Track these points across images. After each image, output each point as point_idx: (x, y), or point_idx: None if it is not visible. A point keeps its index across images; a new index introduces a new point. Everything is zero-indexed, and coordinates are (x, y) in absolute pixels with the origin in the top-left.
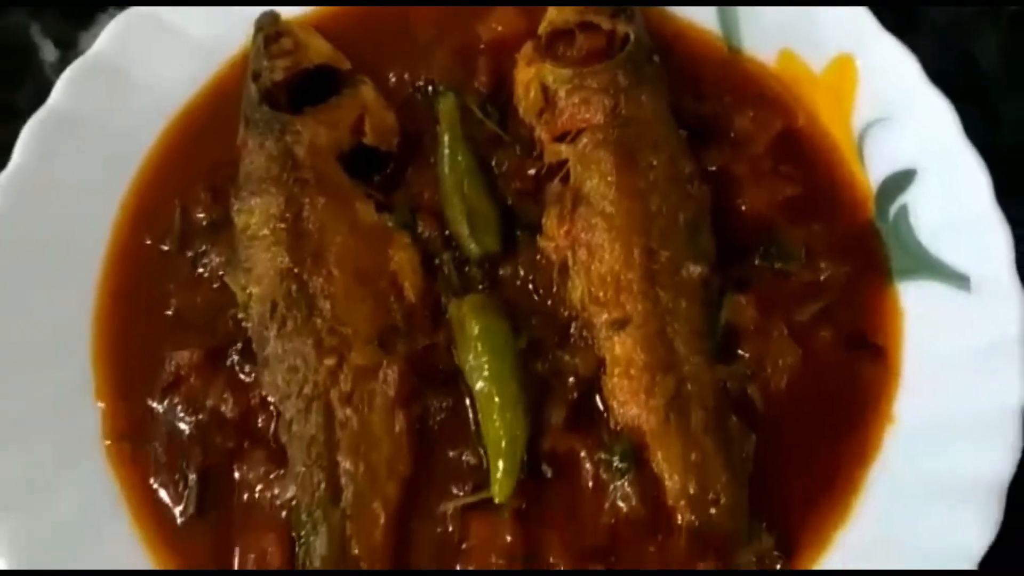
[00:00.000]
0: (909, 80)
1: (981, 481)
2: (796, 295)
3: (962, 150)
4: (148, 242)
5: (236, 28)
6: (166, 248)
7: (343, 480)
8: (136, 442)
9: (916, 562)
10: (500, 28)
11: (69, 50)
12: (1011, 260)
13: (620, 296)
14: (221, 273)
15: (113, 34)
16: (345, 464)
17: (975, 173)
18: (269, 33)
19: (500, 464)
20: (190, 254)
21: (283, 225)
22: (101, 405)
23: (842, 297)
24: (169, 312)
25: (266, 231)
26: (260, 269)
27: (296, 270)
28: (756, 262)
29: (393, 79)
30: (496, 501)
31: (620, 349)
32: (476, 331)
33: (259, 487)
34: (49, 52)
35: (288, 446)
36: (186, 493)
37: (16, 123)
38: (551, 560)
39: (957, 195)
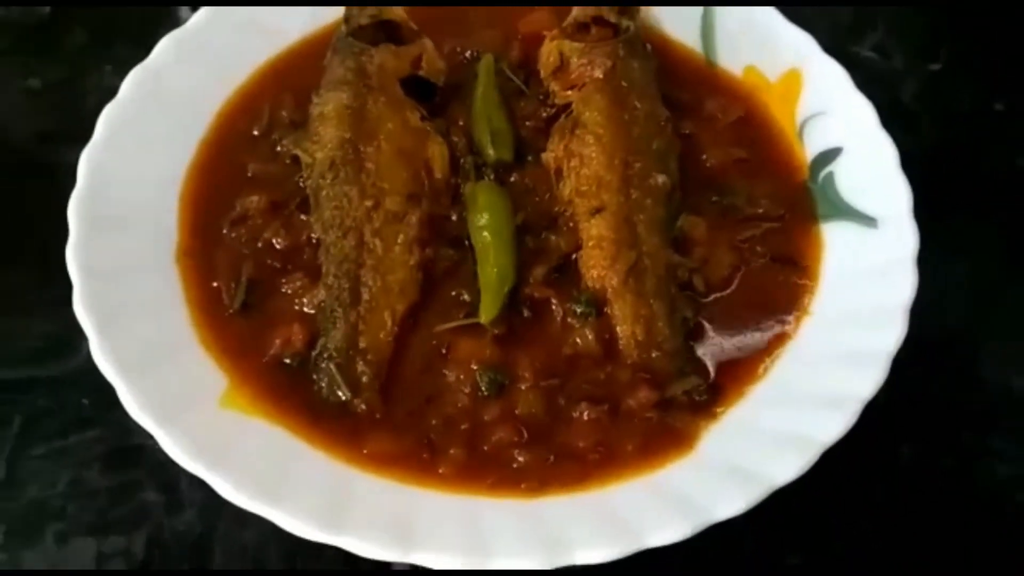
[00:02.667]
0: (842, 86)
1: (873, 352)
2: (740, 222)
3: (878, 132)
4: (241, 127)
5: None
6: (255, 133)
7: (363, 290)
8: (201, 258)
9: (813, 407)
10: (535, 25)
11: None
12: (910, 206)
13: (600, 191)
14: (294, 151)
15: None
16: (366, 279)
17: (886, 147)
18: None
19: (488, 298)
20: (273, 138)
21: (348, 110)
22: (179, 230)
23: (776, 230)
24: (248, 175)
25: (334, 113)
26: (325, 139)
27: (353, 139)
28: (712, 199)
29: (447, 49)
30: (481, 321)
31: (595, 229)
32: (483, 200)
33: (295, 295)
34: (186, 13)
35: (324, 263)
36: (235, 293)
37: None
38: (519, 372)
39: (872, 162)
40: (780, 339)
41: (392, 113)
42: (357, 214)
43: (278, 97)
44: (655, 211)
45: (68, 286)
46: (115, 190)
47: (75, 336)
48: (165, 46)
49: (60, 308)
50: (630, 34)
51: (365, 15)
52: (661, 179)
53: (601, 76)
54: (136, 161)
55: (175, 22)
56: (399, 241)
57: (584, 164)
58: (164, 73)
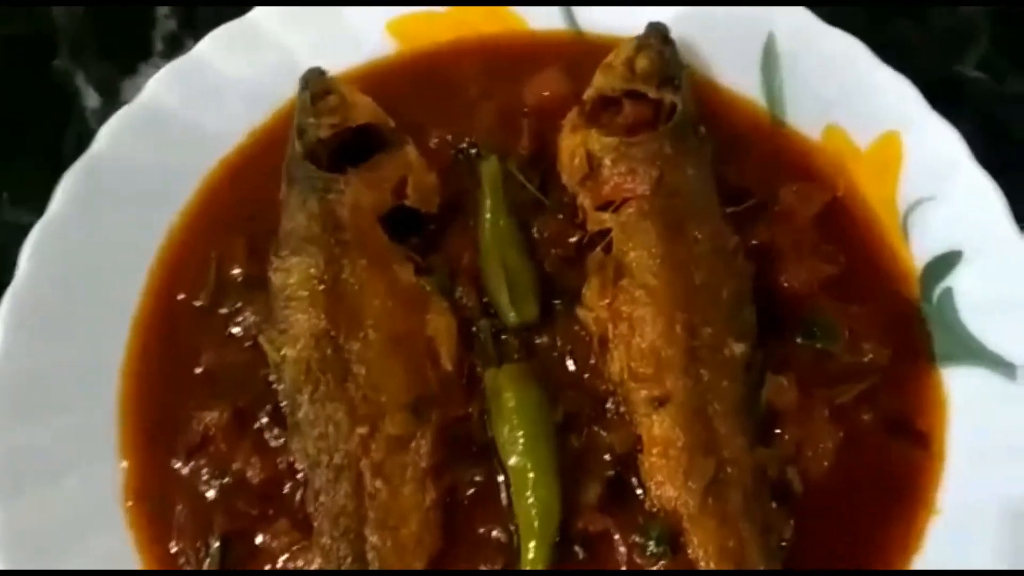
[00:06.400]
0: (956, 161)
1: None
2: (838, 376)
3: (1010, 235)
4: (181, 296)
5: (282, 78)
6: (199, 303)
7: (370, 555)
8: (157, 504)
9: None
10: (545, 92)
11: (111, 97)
12: None
13: (661, 372)
14: (255, 333)
15: (158, 84)
16: (373, 539)
17: (1023, 259)
18: (316, 91)
19: (532, 545)
20: (224, 311)
21: (321, 287)
22: (124, 463)
23: (884, 380)
24: (199, 370)
25: (304, 292)
26: (296, 330)
27: (332, 333)
28: (798, 340)
29: (436, 140)
30: None
31: (659, 428)
32: (512, 403)
33: (282, 557)
34: (92, 99)
35: (314, 517)
36: (206, 560)
37: (60, 168)
38: None
39: (1005, 281)
40: (903, 552)
41: (377, 278)
42: (349, 447)
43: (224, 244)
44: (733, 393)
45: None
46: (33, 425)
47: None
48: (71, 181)
49: None
50: (677, 118)
51: (324, 126)
52: (738, 348)
53: (647, 191)
54: (53, 368)
55: (79, 114)
56: (408, 477)
57: (635, 331)
58: (75, 222)
